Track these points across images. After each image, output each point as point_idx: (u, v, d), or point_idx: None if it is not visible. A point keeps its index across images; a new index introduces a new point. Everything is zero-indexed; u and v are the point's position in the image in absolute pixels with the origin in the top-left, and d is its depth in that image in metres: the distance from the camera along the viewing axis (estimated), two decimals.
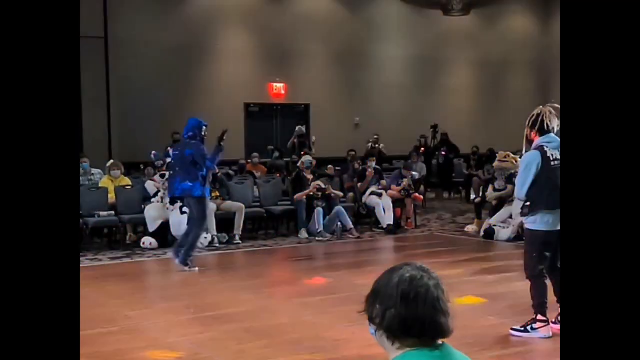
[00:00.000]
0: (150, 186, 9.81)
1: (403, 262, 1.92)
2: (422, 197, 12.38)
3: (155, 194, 9.70)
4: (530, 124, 5.25)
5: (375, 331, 1.87)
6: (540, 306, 5.17)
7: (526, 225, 5.34)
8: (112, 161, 11.22)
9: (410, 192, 11.45)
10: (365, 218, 11.60)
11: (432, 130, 16.78)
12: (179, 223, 9.57)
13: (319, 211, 10.41)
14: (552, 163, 5.07)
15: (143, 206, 9.97)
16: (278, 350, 5.07)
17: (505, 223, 10.07)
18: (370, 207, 11.30)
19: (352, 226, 10.60)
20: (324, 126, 16.84)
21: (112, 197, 10.06)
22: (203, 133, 8.06)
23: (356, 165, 12.60)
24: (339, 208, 10.59)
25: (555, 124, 5.18)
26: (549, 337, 5.15)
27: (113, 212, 9.87)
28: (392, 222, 10.95)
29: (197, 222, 7.99)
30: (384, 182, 11.57)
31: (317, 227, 10.33)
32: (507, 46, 19.87)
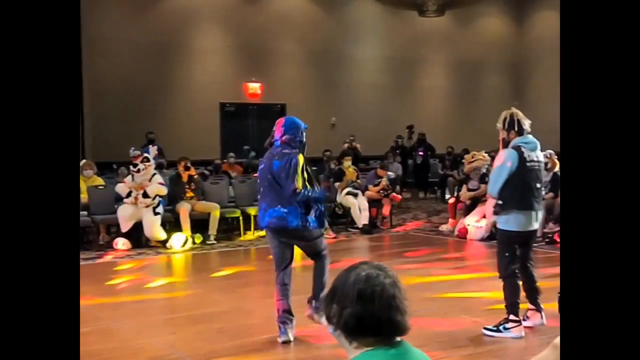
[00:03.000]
0: (120, 188, 9.69)
1: (360, 261, 1.91)
2: (399, 197, 12.42)
3: (128, 195, 9.58)
4: (505, 126, 5.24)
5: (334, 330, 1.86)
6: (512, 306, 5.21)
7: (498, 225, 5.39)
8: (84, 161, 11.09)
9: (389, 192, 11.50)
10: (341, 218, 11.61)
11: (408, 130, 16.85)
12: (152, 224, 9.49)
13: None
14: (528, 164, 5.10)
15: (116, 206, 9.87)
16: (250, 350, 5.04)
17: (478, 222, 10.14)
18: (346, 207, 11.31)
19: (327, 226, 10.59)
20: None
21: (84, 197, 9.95)
22: (303, 139, 5.35)
23: (332, 165, 12.60)
24: None
25: (527, 123, 5.24)
26: (521, 337, 5.19)
27: (85, 212, 9.76)
28: (367, 222, 10.97)
29: (315, 261, 5.49)
30: (359, 181, 11.60)
31: None
32: (482, 47, 20.03)
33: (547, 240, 9.54)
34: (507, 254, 5.20)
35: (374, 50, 18.61)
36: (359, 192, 11.35)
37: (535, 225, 5.30)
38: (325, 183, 12.05)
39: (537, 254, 8.97)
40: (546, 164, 9.88)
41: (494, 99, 19.32)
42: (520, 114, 5.27)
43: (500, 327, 5.23)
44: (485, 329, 5.30)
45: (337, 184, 11.66)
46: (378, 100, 18.48)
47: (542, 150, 9.57)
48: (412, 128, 16.84)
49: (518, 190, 5.09)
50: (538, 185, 5.20)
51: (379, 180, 11.61)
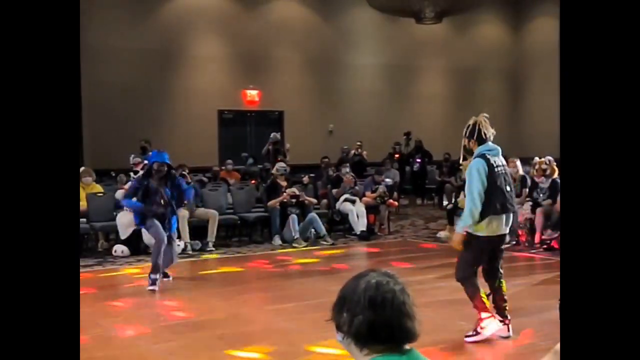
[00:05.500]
0: (120, 195, 9.71)
1: (368, 269, 1.94)
2: (396, 203, 12.45)
3: None
4: (467, 134, 5.32)
5: (343, 338, 1.87)
6: (479, 303, 5.22)
7: (469, 229, 5.22)
8: (83, 168, 11.10)
9: (385, 198, 11.54)
10: (339, 224, 11.63)
11: (405, 137, 16.89)
12: None
13: (293, 218, 10.42)
14: (496, 169, 5.16)
15: (115, 213, 9.88)
16: (251, 358, 5.05)
17: None
18: (343, 214, 11.34)
19: (325, 232, 10.61)
20: (298, 133, 16.85)
21: (83, 204, 9.95)
22: (153, 169, 7.54)
23: (330, 172, 12.64)
24: (312, 215, 10.60)
25: (490, 132, 5.29)
26: (500, 329, 5.21)
27: (84, 220, 9.77)
28: (365, 229, 11.00)
29: None
30: (356, 188, 11.63)
31: (292, 234, 10.33)
32: (479, 54, 20.09)
33: (545, 246, 9.57)
34: (471, 258, 5.21)
35: (372, 58, 18.66)
36: (357, 198, 11.39)
37: (506, 230, 5.31)
38: (322, 190, 12.09)
39: (536, 260, 9.02)
40: (545, 170, 9.94)
41: (491, 106, 19.30)
42: (484, 123, 5.31)
43: (478, 329, 5.25)
44: (466, 336, 5.30)
45: (334, 190, 11.69)
46: (375, 107, 18.53)
47: (541, 157, 9.65)
48: (410, 135, 16.88)
49: (493, 196, 5.11)
50: (508, 188, 5.25)
51: (376, 186, 11.65)
